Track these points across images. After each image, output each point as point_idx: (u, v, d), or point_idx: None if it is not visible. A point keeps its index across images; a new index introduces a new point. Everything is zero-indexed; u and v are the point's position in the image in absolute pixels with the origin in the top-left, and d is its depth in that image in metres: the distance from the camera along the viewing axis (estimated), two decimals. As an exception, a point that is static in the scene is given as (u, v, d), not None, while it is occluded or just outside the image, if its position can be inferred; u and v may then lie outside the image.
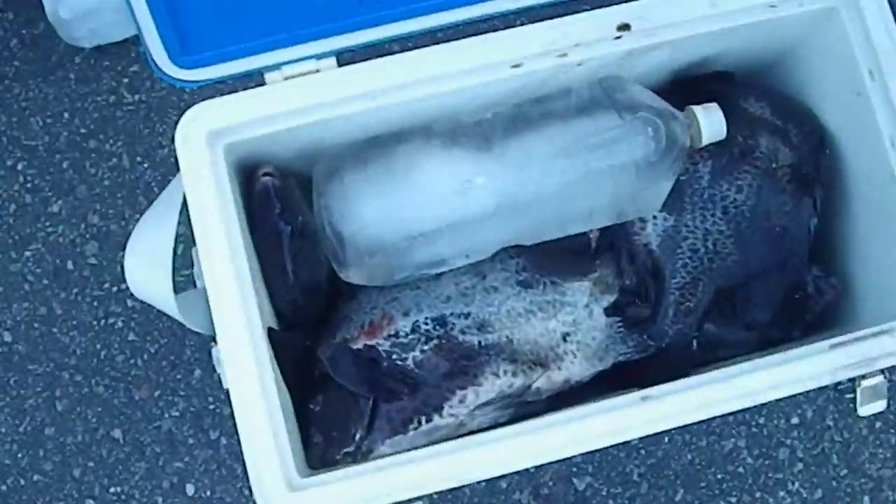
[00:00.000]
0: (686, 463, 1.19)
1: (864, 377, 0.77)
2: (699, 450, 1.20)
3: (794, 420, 1.21)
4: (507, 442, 0.73)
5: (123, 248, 1.13)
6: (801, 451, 1.21)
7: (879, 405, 0.79)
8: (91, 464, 1.14)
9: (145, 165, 1.19)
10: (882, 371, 0.77)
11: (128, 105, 1.20)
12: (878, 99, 0.81)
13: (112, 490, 1.14)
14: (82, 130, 1.19)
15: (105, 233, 1.16)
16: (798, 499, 1.20)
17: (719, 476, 1.19)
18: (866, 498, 1.21)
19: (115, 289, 1.16)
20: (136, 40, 1.17)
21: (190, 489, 1.14)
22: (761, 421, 1.20)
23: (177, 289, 0.75)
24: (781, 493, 1.20)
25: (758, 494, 1.20)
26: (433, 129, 0.81)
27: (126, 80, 1.20)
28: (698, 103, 0.83)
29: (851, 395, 0.79)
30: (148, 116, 1.19)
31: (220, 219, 0.74)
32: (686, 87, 0.89)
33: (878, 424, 1.22)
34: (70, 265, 1.16)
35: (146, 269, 0.74)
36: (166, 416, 1.15)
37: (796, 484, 1.20)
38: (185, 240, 0.77)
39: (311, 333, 0.83)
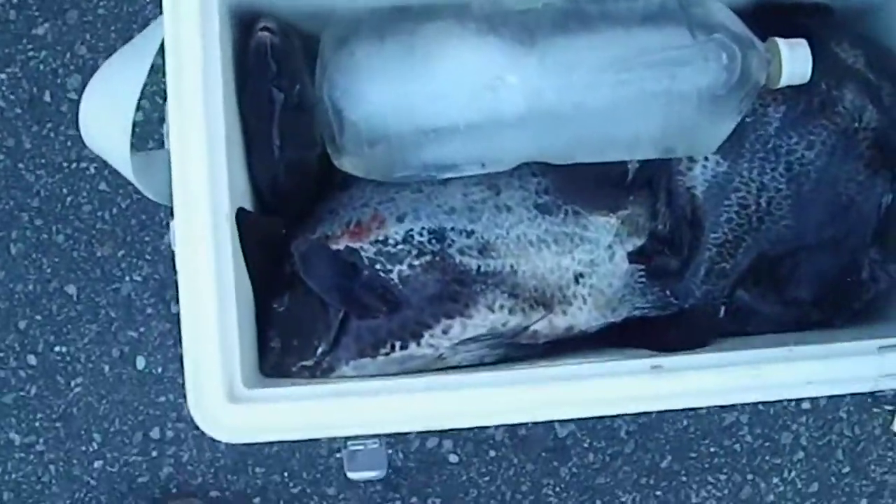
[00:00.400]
0: (680, 428, 1.10)
1: (911, 390, 0.66)
2: (697, 417, 1.11)
3: (806, 405, 1.11)
4: (488, 391, 0.63)
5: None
6: (806, 439, 1.11)
7: (923, 424, 0.68)
8: (38, 317, 1.04)
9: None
10: (934, 388, 0.66)
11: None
12: None
13: (57, 349, 1.04)
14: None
15: (92, 66, 1.05)
16: (792, 488, 1.11)
17: (713, 449, 1.10)
18: (864, 501, 1.12)
19: (69, 166, 1.05)
20: None
21: (140, 362, 1.05)
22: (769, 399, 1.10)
23: (137, 146, 0.63)
24: (775, 480, 1.11)
25: (749, 476, 1.11)
26: (471, 9, 0.70)
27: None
28: (784, 36, 0.71)
29: (891, 408, 0.68)
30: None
31: (199, 70, 0.63)
32: (774, 14, 0.77)
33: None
34: (47, 96, 1.04)
35: (104, 117, 0.63)
36: (127, 279, 1.05)
37: (793, 473, 1.11)
38: (160, 93, 0.65)
39: (290, 222, 0.72)
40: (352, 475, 0.66)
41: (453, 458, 1.07)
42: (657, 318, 0.74)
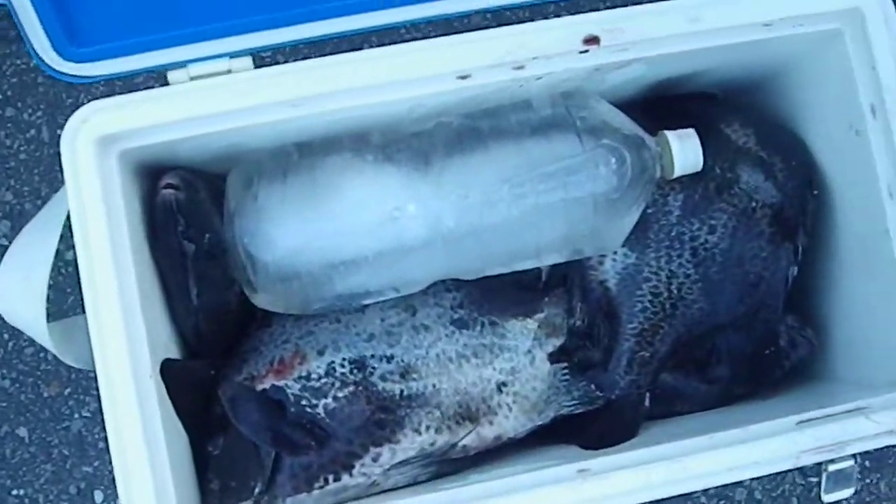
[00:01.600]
0: (639, 498, 1.11)
1: (832, 461, 0.68)
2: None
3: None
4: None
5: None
6: (760, 493, 1.12)
7: (846, 493, 0.70)
8: (-8, 463, 1.04)
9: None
10: (853, 455, 0.68)
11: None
12: (878, 140, 0.72)
13: (15, 493, 1.05)
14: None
15: (19, 212, 1.06)
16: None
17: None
18: (828, 544, 1.13)
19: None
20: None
21: (98, 496, 1.05)
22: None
23: (52, 317, 0.65)
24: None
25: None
26: (370, 139, 0.72)
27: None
28: (674, 126, 0.74)
29: (815, 479, 0.70)
30: (71, 86, 1.08)
31: (105, 235, 0.64)
32: (662, 105, 0.79)
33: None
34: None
35: (17, 294, 0.64)
36: (76, 416, 1.05)
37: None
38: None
39: (217, 363, 0.74)
40: None
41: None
42: (584, 414, 0.75)
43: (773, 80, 0.81)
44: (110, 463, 1.03)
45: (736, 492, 1.12)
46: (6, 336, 1.06)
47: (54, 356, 1.01)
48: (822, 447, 0.67)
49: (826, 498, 0.70)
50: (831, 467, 0.69)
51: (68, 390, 1.06)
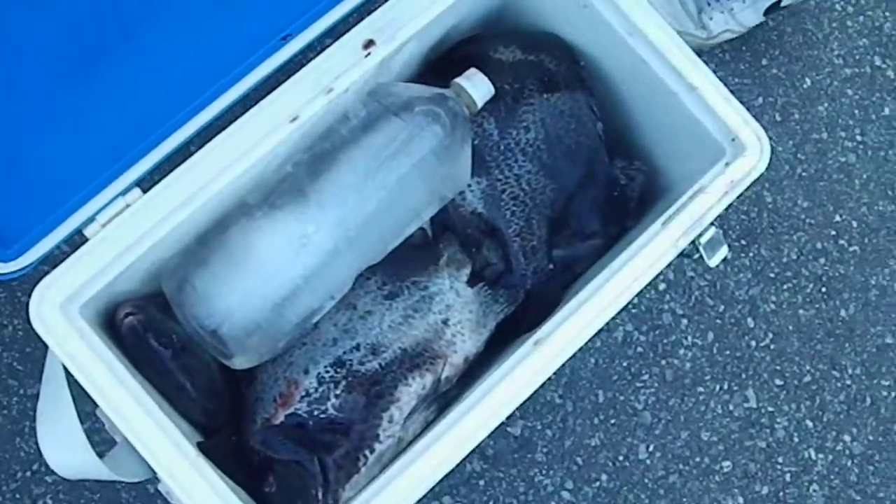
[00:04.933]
0: (592, 366, 1.29)
1: (699, 236, 0.87)
2: (597, 350, 1.29)
3: (662, 286, 1.32)
4: (446, 437, 0.79)
5: (19, 434, 1.16)
6: (680, 308, 1.32)
7: (723, 251, 0.89)
8: None
9: (-1, 350, 1.20)
10: (712, 223, 0.87)
11: (-48, 305, 1.20)
12: (601, 4, 0.90)
13: None
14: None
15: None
16: (696, 349, 1.31)
17: (625, 363, 1.29)
18: (749, 319, 1.33)
19: (28, 473, 1.17)
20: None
21: None
22: (635, 301, 1.30)
23: (101, 455, 0.78)
24: (681, 351, 1.31)
25: (663, 362, 1.30)
26: (248, 203, 0.86)
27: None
28: (460, 73, 0.91)
29: (697, 255, 0.88)
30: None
31: (109, 375, 0.78)
32: (443, 63, 0.96)
33: (727, 255, 1.33)
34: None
35: (68, 455, 0.77)
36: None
37: (689, 338, 1.31)
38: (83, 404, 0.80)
39: (233, 429, 0.88)
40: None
41: (456, 508, 1.24)
42: (516, 311, 0.92)
43: (510, 3, 0.99)
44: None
45: (662, 317, 1.31)
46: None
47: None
48: (688, 228, 0.85)
49: (711, 263, 0.88)
50: (703, 239, 0.87)
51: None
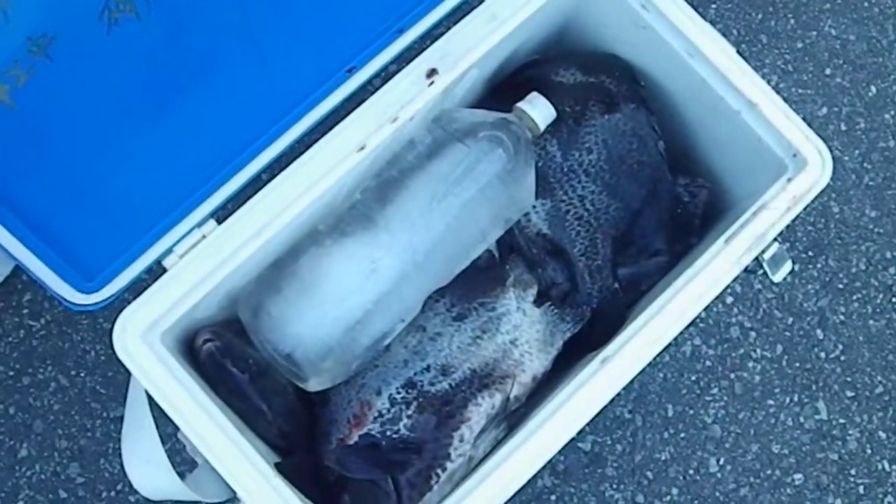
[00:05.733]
0: (661, 381, 1.29)
1: (763, 252, 0.87)
2: (665, 365, 1.29)
3: (729, 300, 1.32)
4: (516, 455, 0.81)
5: (103, 456, 1.20)
6: (748, 322, 1.31)
7: (787, 266, 0.89)
8: None
9: (82, 374, 1.24)
10: (775, 239, 0.87)
11: (39, 331, 1.25)
12: (659, 24, 0.91)
13: None
14: (11, 373, 1.24)
15: (78, 450, 1.21)
16: (765, 361, 1.31)
17: (693, 378, 1.29)
18: (818, 331, 1.32)
19: (113, 493, 1.20)
20: (16, 272, 1.22)
21: None
22: (703, 315, 1.30)
23: (182, 476, 0.81)
24: (750, 364, 1.30)
25: (732, 375, 1.30)
26: (319, 231, 0.89)
27: (26, 311, 1.25)
28: (521, 97, 0.92)
29: (761, 271, 0.89)
30: (62, 332, 1.24)
31: (189, 399, 0.80)
32: (505, 87, 0.98)
33: (796, 266, 1.33)
34: (63, 493, 1.20)
35: (151, 476, 0.80)
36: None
37: (758, 350, 1.31)
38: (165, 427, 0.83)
39: (308, 450, 0.90)
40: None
41: (529, 523, 1.25)
42: (583, 329, 0.93)
43: (569, 27, 1.01)
44: None
45: (730, 331, 1.31)
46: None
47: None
48: (751, 245, 0.86)
49: (775, 278, 0.89)
50: (766, 255, 0.88)
51: None
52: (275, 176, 0.85)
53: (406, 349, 0.90)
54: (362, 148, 0.87)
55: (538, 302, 0.93)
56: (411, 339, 0.90)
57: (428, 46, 0.88)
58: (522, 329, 0.91)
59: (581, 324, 0.93)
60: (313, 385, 0.87)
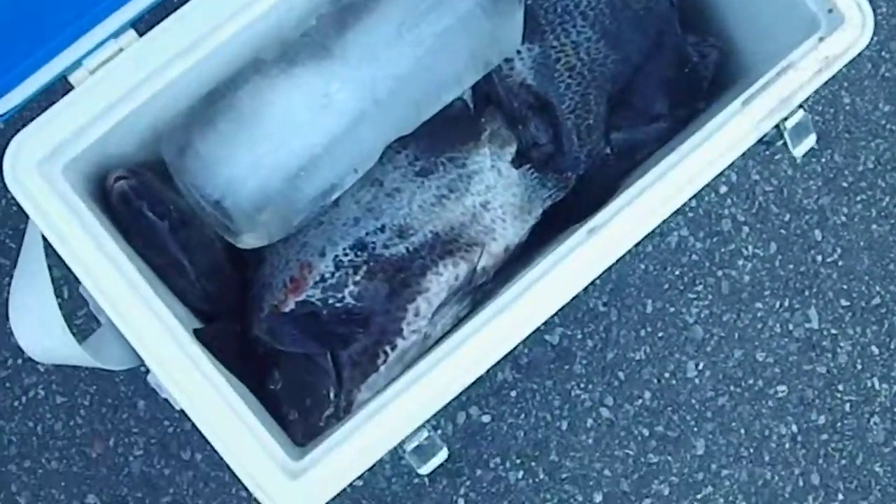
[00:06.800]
0: (642, 273, 1.19)
1: (786, 119, 0.75)
2: (648, 256, 1.19)
3: (723, 189, 1.21)
4: (479, 337, 0.69)
5: (6, 317, 1.07)
6: (742, 215, 1.21)
7: (811, 140, 0.77)
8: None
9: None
10: (800, 105, 0.75)
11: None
12: None
13: (110, 553, 1.09)
14: None
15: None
16: (757, 260, 1.20)
17: (677, 272, 1.19)
18: (816, 231, 1.22)
19: (19, 361, 1.10)
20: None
21: (188, 516, 1.10)
22: (693, 203, 1.20)
23: (80, 337, 0.68)
24: (740, 262, 1.20)
25: (720, 273, 1.20)
26: (264, 60, 0.75)
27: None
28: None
29: (781, 142, 0.77)
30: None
31: (92, 244, 0.68)
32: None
33: (798, 159, 1.22)
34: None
35: (41, 335, 0.68)
36: (131, 458, 1.09)
37: (749, 247, 1.21)
38: (67, 280, 0.71)
39: (236, 316, 0.78)
40: (423, 470, 0.72)
41: (486, 419, 1.14)
42: (566, 198, 0.81)
43: None
44: (183, 483, 1.08)
45: (721, 223, 1.20)
46: (31, 424, 1.09)
47: (83, 417, 1.06)
48: (773, 109, 0.74)
49: (797, 152, 0.77)
50: (789, 123, 0.75)
51: (111, 441, 1.09)
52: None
53: (358, 205, 0.78)
54: (320, -41, 0.72)
55: (516, 163, 0.82)
56: (365, 195, 0.78)
57: None
58: (496, 191, 0.79)
59: (564, 192, 0.82)
60: (246, 241, 0.75)
